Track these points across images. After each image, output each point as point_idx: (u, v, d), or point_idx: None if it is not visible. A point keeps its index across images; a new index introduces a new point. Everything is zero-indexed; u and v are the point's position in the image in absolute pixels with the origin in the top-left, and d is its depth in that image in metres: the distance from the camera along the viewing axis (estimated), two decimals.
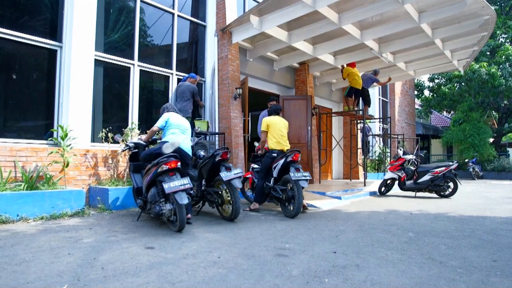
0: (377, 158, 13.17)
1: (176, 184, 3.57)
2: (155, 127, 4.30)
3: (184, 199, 3.53)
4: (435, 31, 7.70)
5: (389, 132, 11.83)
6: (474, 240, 3.60)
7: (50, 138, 4.95)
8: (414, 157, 8.13)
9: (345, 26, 6.97)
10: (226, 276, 2.41)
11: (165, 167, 3.69)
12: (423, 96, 20.78)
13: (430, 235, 3.83)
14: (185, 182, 3.62)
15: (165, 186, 3.53)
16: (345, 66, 9.19)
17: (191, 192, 3.93)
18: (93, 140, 5.63)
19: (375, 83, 9.67)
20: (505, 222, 4.69)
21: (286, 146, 5.27)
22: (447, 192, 7.46)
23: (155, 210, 3.70)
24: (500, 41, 17.81)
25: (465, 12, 6.79)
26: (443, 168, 7.38)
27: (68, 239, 3.36)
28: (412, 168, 7.81)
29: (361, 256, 2.97)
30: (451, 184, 7.42)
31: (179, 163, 3.78)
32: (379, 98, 14.84)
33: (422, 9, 6.73)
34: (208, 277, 2.39)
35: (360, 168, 11.20)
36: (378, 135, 12.46)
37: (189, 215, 4.18)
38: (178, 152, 4.02)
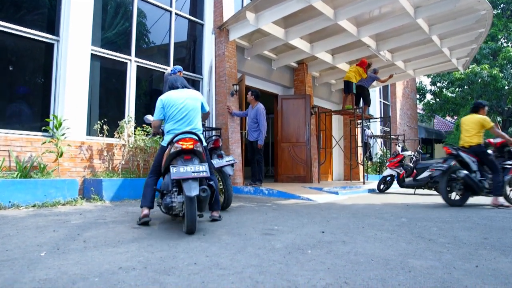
0: (378, 160, 13.07)
1: (187, 169, 2.82)
2: (155, 121, 3.47)
3: (193, 190, 2.74)
4: (432, 27, 7.70)
5: (389, 134, 11.75)
6: (467, 224, 3.53)
7: (43, 128, 4.97)
8: (413, 153, 8.06)
9: (341, 22, 7.00)
10: (207, 248, 2.38)
11: (178, 146, 3.00)
12: (425, 100, 20.71)
13: (424, 220, 3.77)
14: (201, 169, 2.85)
15: (173, 170, 2.82)
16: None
17: (212, 183, 3.14)
18: (89, 133, 5.65)
19: (374, 82, 9.65)
20: (502, 211, 4.60)
21: None
22: None
23: (165, 202, 2.95)
24: (501, 44, 17.79)
25: (460, 7, 6.80)
26: None
27: (56, 221, 3.34)
28: (411, 165, 7.73)
29: (349, 235, 2.93)
30: None
31: (197, 144, 3.07)
32: (380, 101, 14.81)
33: (418, 4, 6.75)
34: (189, 248, 2.36)
35: (361, 169, 11.11)
36: (378, 136, 12.39)
37: (215, 213, 3.47)
38: None
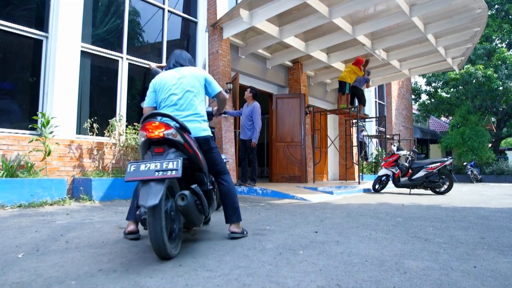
0: (373, 160, 13.04)
1: (150, 167, 1.97)
2: (144, 109, 2.68)
3: (151, 198, 1.84)
4: (427, 26, 7.66)
5: (385, 133, 11.72)
6: (464, 223, 3.46)
7: (30, 126, 4.84)
8: (409, 153, 8.01)
9: (336, 20, 6.93)
10: (195, 248, 2.28)
11: (142, 134, 2.19)
12: (420, 100, 20.75)
13: (419, 220, 3.69)
14: (170, 166, 1.95)
15: (130, 168, 1.99)
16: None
17: (194, 187, 2.21)
18: (79, 132, 5.53)
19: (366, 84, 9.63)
20: (499, 211, 4.55)
21: None
22: (442, 189, 7.30)
23: (138, 213, 2.09)
24: (496, 45, 17.86)
25: (456, 5, 6.76)
26: (438, 164, 7.25)
27: (40, 221, 3.22)
28: (407, 164, 7.68)
29: (343, 235, 2.84)
30: (446, 181, 7.28)
31: (170, 131, 2.16)
32: (376, 101, 14.79)
33: (413, 2, 6.70)
34: None
35: (356, 169, 11.06)
36: (374, 136, 12.35)
37: (234, 227, 2.60)
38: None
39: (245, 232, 2.71)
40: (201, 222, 2.32)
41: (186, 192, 2.04)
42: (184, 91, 2.54)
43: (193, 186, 2.21)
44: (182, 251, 2.20)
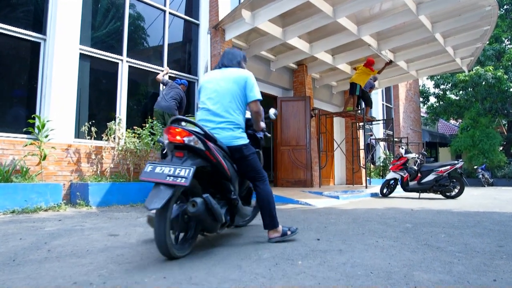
0: (381, 164, 12.75)
1: (164, 170, 1.98)
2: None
3: (156, 201, 1.85)
4: (435, 25, 7.43)
5: (392, 137, 11.45)
6: (478, 229, 3.23)
7: (24, 129, 4.73)
8: (417, 155, 7.75)
9: (340, 20, 6.75)
10: (183, 258, 2.09)
11: (165, 137, 2.23)
12: (428, 103, 20.38)
13: (430, 226, 3.46)
14: (181, 173, 1.95)
15: (147, 168, 2.03)
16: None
17: (206, 196, 2.11)
18: (77, 136, 5.42)
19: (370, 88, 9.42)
20: None
21: None
22: (453, 193, 7.02)
23: (148, 214, 2.13)
24: (505, 46, 17.48)
25: (464, 2, 6.53)
26: (448, 167, 6.98)
27: (29, 228, 3.08)
28: (416, 167, 7.42)
29: (347, 242, 2.63)
30: (457, 184, 7.00)
31: (191, 138, 2.15)
32: (383, 104, 14.52)
33: (420, 0, 6.49)
34: (163, 258, 2.07)
35: (363, 173, 10.79)
36: (381, 139, 12.08)
37: (273, 233, 2.55)
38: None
39: (288, 233, 2.61)
40: (215, 229, 2.34)
41: (198, 200, 2.07)
42: (220, 96, 2.50)
43: (205, 195, 2.12)
44: (170, 260, 2.02)
